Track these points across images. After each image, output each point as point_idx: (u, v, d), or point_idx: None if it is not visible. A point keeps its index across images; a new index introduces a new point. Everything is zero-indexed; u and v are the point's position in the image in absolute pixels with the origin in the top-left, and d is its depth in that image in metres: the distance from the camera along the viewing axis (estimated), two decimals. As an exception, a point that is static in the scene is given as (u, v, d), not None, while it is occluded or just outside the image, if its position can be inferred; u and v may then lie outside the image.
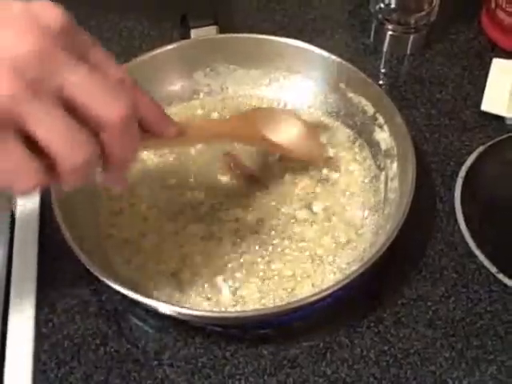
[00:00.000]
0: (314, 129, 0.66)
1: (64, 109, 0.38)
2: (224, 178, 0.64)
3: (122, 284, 0.52)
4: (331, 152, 0.66)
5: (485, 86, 0.71)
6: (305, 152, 0.63)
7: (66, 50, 0.38)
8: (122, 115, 0.39)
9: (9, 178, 0.39)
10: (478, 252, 0.60)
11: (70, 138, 0.38)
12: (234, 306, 0.56)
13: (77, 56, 0.39)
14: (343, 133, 0.67)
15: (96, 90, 0.39)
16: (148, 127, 0.45)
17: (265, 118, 0.61)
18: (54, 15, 0.39)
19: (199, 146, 0.66)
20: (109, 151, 0.41)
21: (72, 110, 0.38)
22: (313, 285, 0.57)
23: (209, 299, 0.56)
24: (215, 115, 0.69)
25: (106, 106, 0.39)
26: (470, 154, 0.67)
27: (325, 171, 0.64)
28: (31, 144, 0.38)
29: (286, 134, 0.61)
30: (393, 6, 0.74)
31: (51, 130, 0.38)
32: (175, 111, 0.69)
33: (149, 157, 0.66)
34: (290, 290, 0.57)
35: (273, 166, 0.65)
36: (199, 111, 0.69)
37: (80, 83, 0.38)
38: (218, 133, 0.57)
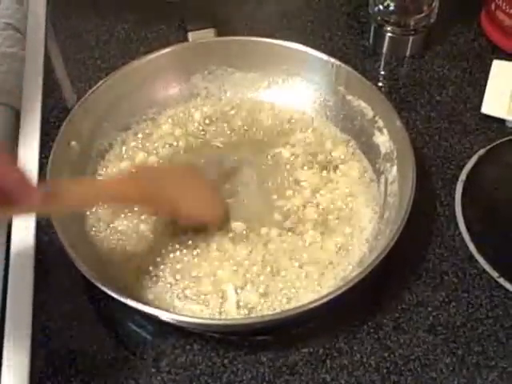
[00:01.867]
0: (209, 187, 0.62)
1: None
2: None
3: (119, 291, 0.51)
4: (332, 155, 0.65)
5: (485, 88, 0.71)
6: (200, 213, 0.59)
7: None
8: None
9: None
10: (478, 256, 0.59)
11: None
12: (236, 313, 0.55)
13: None
14: (342, 137, 0.66)
15: None
16: (5, 194, 0.41)
17: (154, 176, 0.58)
18: None
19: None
20: None
21: None
22: (312, 291, 0.56)
23: (207, 306, 0.56)
24: (209, 119, 0.69)
25: None
26: (470, 157, 0.66)
27: (324, 173, 0.64)
28: None
29: (180, 195, 0.58)
30: (392, 8, 0.73)
31: None
32: (173, 114, 0.68)
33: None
34: (289, 296, 0.56)
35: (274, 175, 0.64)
36: (197, 114, 0.69)
37: None
38: (97, 194, 0.53)
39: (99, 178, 0.64)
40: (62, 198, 0.48)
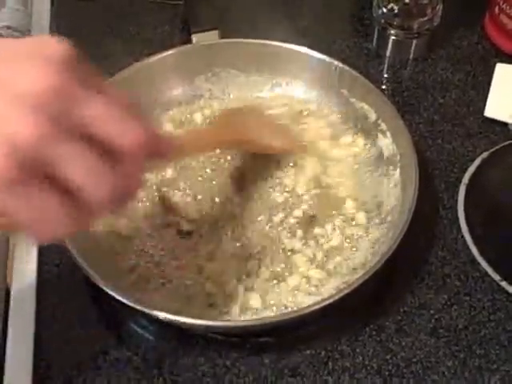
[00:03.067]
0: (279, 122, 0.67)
1: (87, 144, 0.37)
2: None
3: (121, 292, 0.51)
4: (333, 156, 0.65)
5: (488, 91, 0.71)
6: (279, 144, 0.65)
7: (79, 83, 0.37)
8: (142, 142, 0.39)
9: (36, 226, 0.37)
10: (481, 259, 0.59)
11: (98, 173, 0.37)
12: (239, 315, 0.55)
13: (89, 88, 0.38)
14: (346, 138, 0.66)
15: (115, 121, 0.38)
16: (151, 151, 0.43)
17: (235, 119, 0.65)
18: (63, 50, 0.38)
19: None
20: (123, 181, 0.39)
21: (92, 142, 0.37)
22: (314, 293, 0.56)
23: (211, 306, 0.56)
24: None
25: (127, 135, 0.38)
26: (473, 160, 0.66)
27: (324, 177, 0.64)
28: (57, 187, 0.37)
29: (259, 132, 0.64)
30: (395, 10, 0.73)
31: (81, 168, 0.36)
32: (176, 116, 0.69)
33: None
34: (292, 298, 0.56)
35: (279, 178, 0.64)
36: (200, 116, 0.69)
37: (100, 116, 0.37)
38: (203, 144, 0.60)
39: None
40: (184, 148, 0.55)
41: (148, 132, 0.40)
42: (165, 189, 0.63)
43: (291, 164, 0.64)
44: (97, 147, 0.37)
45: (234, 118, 0.65)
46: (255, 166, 0.64)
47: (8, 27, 0.77)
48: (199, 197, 0.62)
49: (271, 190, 0.63)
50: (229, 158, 0.65)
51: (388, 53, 0.76)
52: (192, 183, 0.63)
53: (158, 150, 0.43)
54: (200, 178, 0.64)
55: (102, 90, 0.38)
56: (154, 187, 0.63)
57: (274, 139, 0.65)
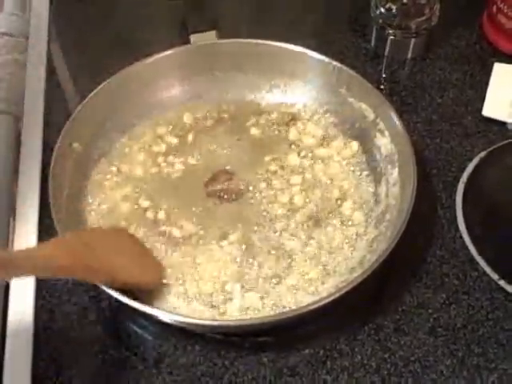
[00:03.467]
0: (146, 249, 0.60)
1: None
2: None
3: (120, 291, 0.51)
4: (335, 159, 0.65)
5: (486, 90, 0.71)
6: (136, 277, 0.56)
7: None
8: None
9: None
10: (479, 259, 0.59)
11: None
12: (238, 314, 0.55)
13: None
14: (342, 139, 0.67)
15: None
16: None
17: (88, 241, 0.54)
18: None
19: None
20: None
21: None
22: (313, 292, 0.57)
23: (209, 307, 0.56)
24: (210, 121, 0.69)
25: None
26: (471, 159, 0.66)
27: (322, 178, 0.64)
28: None
29: (115, 259, 0.55)
30: (394, 10, 0.74)
31: None
32: (174, 116, 0.69)
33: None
34: (290, 297, 0.56)
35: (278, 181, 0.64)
36: (198, 116, 0.69)
37: None
38: (24, 267, 0.48)
39: (103, 179, 0.64)
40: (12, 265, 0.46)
41: None
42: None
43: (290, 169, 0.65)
44: None
45: (86, 240, 0.55)
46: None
47: (5, 34, 0.77)
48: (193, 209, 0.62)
49: (270, 204, 0.62)
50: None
51: (386, 52, 0.76)
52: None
53: None
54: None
55: None
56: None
57: (136, 273, 0.56)
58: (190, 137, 0.68)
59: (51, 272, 0.51)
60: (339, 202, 0.62)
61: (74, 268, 0.51)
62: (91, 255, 0.53)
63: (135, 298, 0.52)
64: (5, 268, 0.47)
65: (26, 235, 0.62)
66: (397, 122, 0.62)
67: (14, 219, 0.63)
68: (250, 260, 0.59)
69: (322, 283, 0.57)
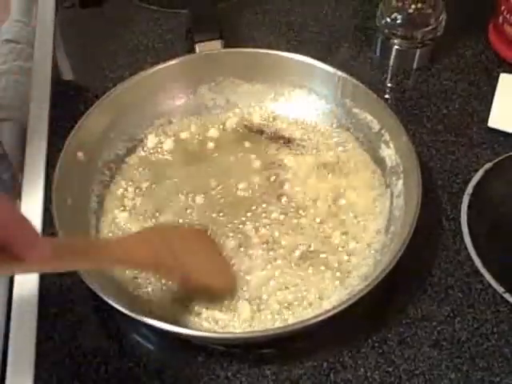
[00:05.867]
0: (220, 253, 0.59)
1: None
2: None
3: (123, 302, 0.51)
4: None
5: (492, 101, 0.71)
6: (209, 279, 0.56)
7: None
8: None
9: None
10: (484, 271, 0.59)
11: None
12: (244, 327, 0.55)
13: None
14: (348, 150, 0.66)
15: None
16: (10, 247, 0.37)
17: (165, 238, 0.54)
18: None
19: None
20: None
21: None
22: (317, 304, 0.56)
23: (213, 319, 0.56)
24: (215, 131, 0.69)
25: None
26: (476, 171, 0.66)
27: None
28: None
29: (190, 259, 0.54)
30: (399, 20, 0.73)
31: None
32: (179, 125, 0.69)
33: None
34: (294, 310, 0.56)
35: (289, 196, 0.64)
36: (203, 125, 0.69)
37: None
38: (102, 257, 0.49)
39: (106, 190, 0.64)
40: (64, 258, 0.44)
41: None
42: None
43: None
44: None
45: (166, 236, 0.55)
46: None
47: (10, 41, 0.77)
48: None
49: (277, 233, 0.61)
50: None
51: (391, 62, 0.76)
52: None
53: (14, 248, 0.36)
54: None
55: None
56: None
57: (209, 275, 0.56)
58: (196, 147, 0.68)
59: (127, 265, 0.52)
60: (342, 214, 0.62)
61: (150, 263, 0.51)
62: (168, 252, 0.53)
63: (138, 309, 0.52)
64: (85, 255, 0.46)
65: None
66: (402, 133, 0.61)
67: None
68: (256, 273, 0.58)
69: (326, 295, 0.57)
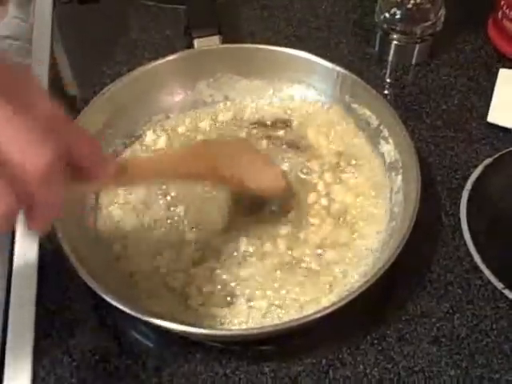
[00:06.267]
0: (267, 158, 0.63)
1: None
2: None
3: (121, 300, 0.51)
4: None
5: (491, 96, 0.70)
6: (262, 185, 0.59)
7: None
8: (46, 163, 0.35)
9: None
10: (483, 267, 0.59)
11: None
12: (241, 323, 0.55)
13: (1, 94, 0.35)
14: (347, 145, 0.66)
15: (19, 135, 0.35)
16: (82, 168, 0.40)
17: (215, 150, 0.58)
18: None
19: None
20: (32, 200, 0.36)
21: None
22: (315, 301, 0.56)
23: (212, 316, 0.56)
24: (216, 126, 0.68)
25: (29, 154, 0.35)
26: (476, 166, 0.66)
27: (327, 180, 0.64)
28: None
29: (241, 168, 0.58)
30: (398, 16, 0.73)
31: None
32: (177, 121, 0.68)
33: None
34: (293, 306, 0.56)
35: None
36: (202, 121, 0.69)
37: (1, 128, 0.34)
38: (163, 170, 0.52)
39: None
40: (131, 173, 0.48)
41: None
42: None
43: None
44: None
45: (216, 149, 0.59)
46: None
47: (8, 37, 0.77)
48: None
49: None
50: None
51: (390, 58, 0.76)
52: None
53: (91, 168, 0.40)
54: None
55: (20, 96, 0.36)
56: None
57: (261, 180, 0.59)
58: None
59: (178, 177, 0.55)
60: (341, 212, 0.61)
61: (208, 174, 0.55)
62: (218, 162, 0.56)
63: (136, 306, 0.52)
64: (148, 170, 0.49)
65: (26, 241, 0.61)
66: (401, 129, 0.61)
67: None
68: (255, 270, 0.58)
69: (325, 292, 0.57)
